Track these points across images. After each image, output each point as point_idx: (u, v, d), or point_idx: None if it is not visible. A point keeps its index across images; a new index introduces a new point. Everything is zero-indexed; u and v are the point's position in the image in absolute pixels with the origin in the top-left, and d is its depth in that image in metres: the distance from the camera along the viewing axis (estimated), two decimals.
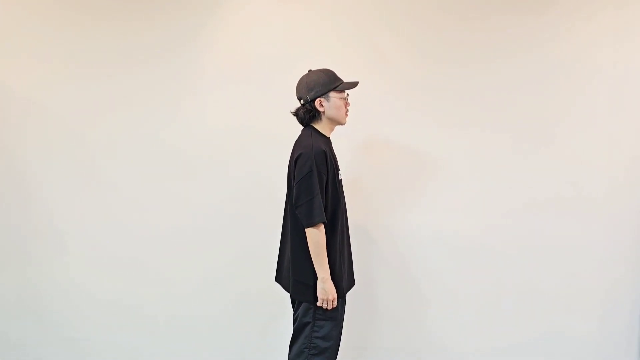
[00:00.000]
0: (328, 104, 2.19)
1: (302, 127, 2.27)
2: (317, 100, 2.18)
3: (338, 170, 2.25)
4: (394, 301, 2.83)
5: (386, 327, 2.85)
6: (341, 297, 2.21)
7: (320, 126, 2.24)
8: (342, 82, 2.23)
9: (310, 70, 2.24)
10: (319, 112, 2.20)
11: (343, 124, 2.27)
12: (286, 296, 2.44)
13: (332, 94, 2.20)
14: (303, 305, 2.20)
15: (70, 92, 2.85)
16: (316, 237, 2.08)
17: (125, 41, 2.82)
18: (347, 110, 2.26)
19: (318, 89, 2.17)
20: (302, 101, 2.21)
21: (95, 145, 2.86)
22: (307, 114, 2.21)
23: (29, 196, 2.90)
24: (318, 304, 2.13)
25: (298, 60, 2.64)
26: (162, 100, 2.83)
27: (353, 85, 2.24)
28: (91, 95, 2.85)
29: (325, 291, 2.10)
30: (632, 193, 2.71)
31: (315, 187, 2.07)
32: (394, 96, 2.76)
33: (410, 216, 2.80)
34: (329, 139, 2.27)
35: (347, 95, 2.26)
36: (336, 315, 2.20)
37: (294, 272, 2.20)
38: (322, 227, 2.09)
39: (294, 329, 2.24)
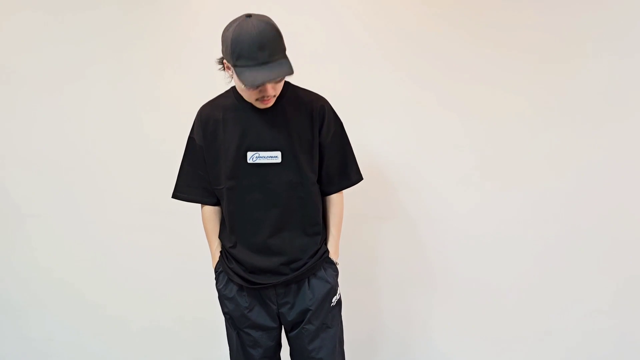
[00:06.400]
0: (234, 75, 1.52)
1: None
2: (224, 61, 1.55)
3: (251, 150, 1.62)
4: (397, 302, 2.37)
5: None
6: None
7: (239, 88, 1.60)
8: (246, 70, 1.45)
9: (244, 18, 1.47)
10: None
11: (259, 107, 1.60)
12: None
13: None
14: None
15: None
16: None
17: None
18: (266, 97, 1.53)
19: (223, 51, 1.53)
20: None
21: (48, 124, 2.36)
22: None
23: None
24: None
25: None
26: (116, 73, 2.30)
27: (254, 84, 1.45)
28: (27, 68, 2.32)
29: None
30: None
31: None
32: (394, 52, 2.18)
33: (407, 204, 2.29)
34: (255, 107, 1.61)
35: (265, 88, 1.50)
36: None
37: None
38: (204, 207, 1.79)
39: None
